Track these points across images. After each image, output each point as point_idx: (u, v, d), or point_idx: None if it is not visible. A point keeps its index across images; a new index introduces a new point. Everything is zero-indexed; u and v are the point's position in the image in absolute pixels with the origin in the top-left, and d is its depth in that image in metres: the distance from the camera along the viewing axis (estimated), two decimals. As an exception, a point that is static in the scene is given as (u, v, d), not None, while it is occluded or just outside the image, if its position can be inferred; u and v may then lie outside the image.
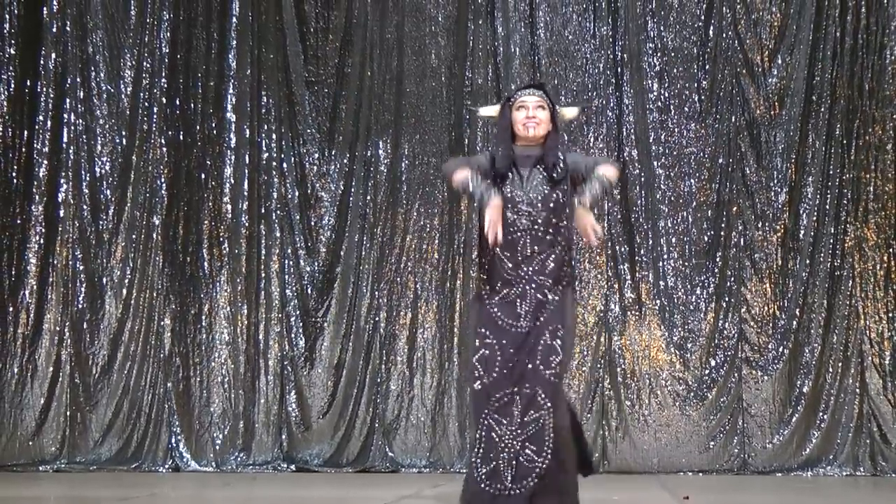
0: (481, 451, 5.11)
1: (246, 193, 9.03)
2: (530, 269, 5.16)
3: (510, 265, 5.18)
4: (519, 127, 5.24)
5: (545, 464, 5.06)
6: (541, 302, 5.16)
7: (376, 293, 8.93)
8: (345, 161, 9.06)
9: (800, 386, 8.67)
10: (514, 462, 5.05)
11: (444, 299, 8.82)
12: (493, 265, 5.22)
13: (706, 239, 8.83)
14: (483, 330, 5.20)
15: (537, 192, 5.19)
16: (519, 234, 5.17)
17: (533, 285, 5.16)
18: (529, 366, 5.10)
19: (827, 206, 8.74)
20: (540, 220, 5.17)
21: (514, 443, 5.06)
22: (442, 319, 8.82)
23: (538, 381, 5.08)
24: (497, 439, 5.07)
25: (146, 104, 9.07)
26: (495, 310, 5.19)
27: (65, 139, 9.05)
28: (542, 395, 5.07)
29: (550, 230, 5.18)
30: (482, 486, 5.08)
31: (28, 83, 9.05)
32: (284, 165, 9.08)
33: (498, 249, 5.17)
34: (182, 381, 8.89)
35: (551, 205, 5.18)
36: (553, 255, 5.17)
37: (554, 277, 5.17)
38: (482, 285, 5.27)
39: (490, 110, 5.47)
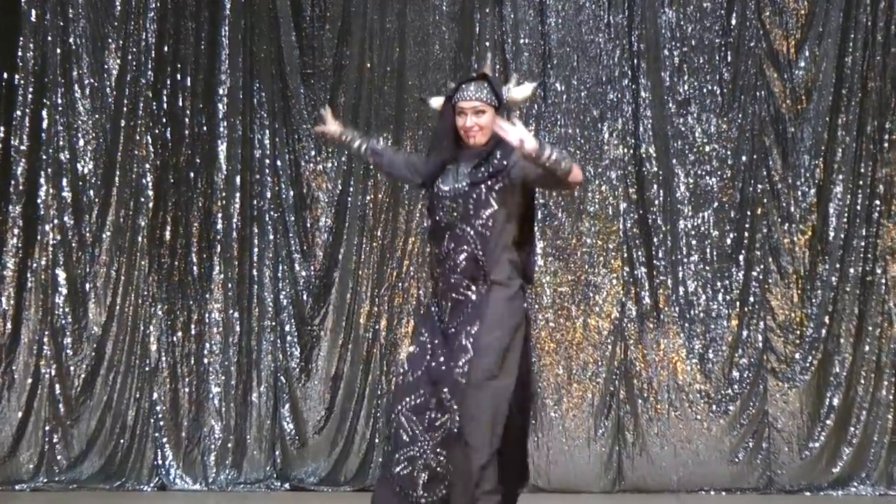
0: (392, 449, 5.11)
1: (238, 193, 8.85)
2: (447, 266, 5.18)
3: (436, 262, 5.25)
4: (461, 133, 5.25)
5: (453, 471, 5.03)
6: (458, 301, 5.16)
7: (376, 299, 8.77)
8: (343, 158, 8.87)
9: (829, 399, 8.50)
10: (427, 468, 5.02)
11: (449, 306, 8.68)
12: (431, 263, 5.29)
13: (728, 241, 8.65)
14: (420, 328, 5.28)
15: (462, 187, 5.18)
16: (441, 229, 5.20)
17: (450, 282, 5.17)
18: (444, 368, 5.06)
19: (858, 207, 8.56)
20: (458, 216, 5.15)
21: (426, 447, 5.02)
22: (446, 328, 8.68)
23: (447, 382, 5.03)
24: (409, 440, 5.05)
25: (132, 99, 8.87)
26: (433, 308, 5.25)
27: (44, 136, 8.83)
28: (449, 398, 5.00)
29: (467, 227, 5.12)
30: (396, 488, 5.05)
31: (5, 76, 8.82)
32: (278, 163, 8.89)
33: (430, 245, 5.28)
34: (169, 394, 8.72)
35: (471, 200, 5.13)
36: (465, 253, 5.13)
37: (469, 276, 5.13)
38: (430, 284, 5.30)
39: (439, 102, 5.45)
